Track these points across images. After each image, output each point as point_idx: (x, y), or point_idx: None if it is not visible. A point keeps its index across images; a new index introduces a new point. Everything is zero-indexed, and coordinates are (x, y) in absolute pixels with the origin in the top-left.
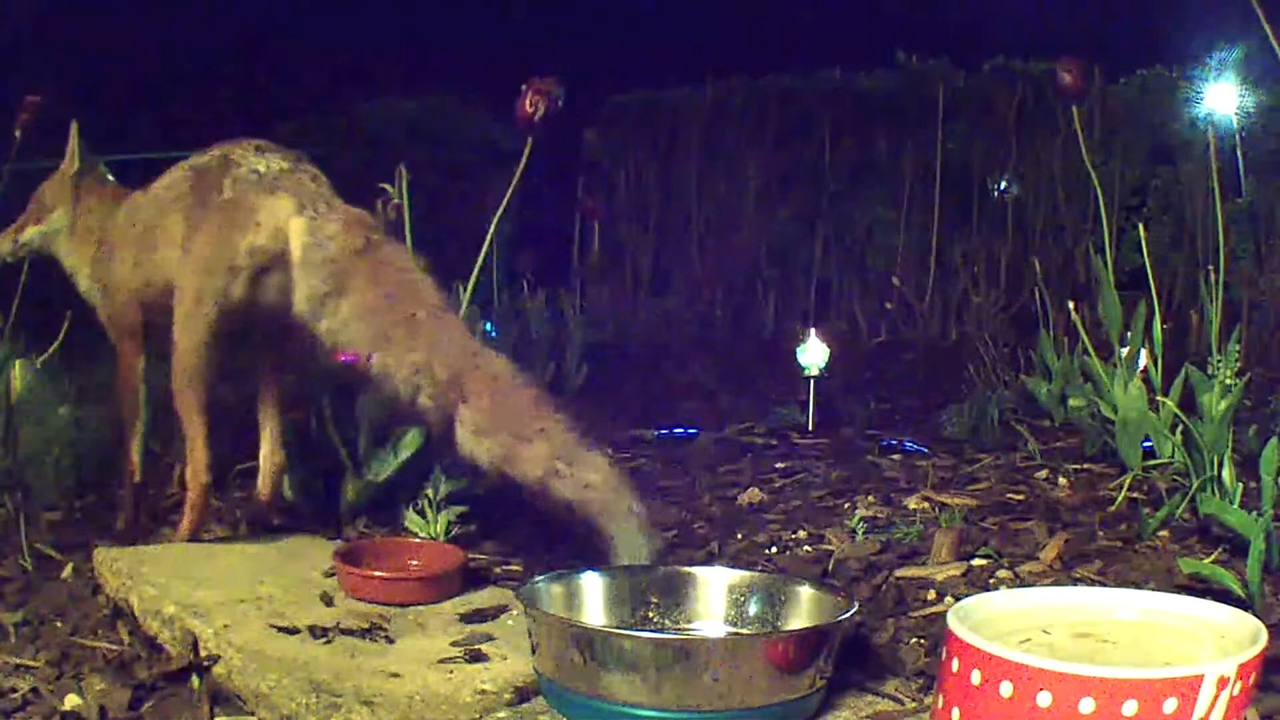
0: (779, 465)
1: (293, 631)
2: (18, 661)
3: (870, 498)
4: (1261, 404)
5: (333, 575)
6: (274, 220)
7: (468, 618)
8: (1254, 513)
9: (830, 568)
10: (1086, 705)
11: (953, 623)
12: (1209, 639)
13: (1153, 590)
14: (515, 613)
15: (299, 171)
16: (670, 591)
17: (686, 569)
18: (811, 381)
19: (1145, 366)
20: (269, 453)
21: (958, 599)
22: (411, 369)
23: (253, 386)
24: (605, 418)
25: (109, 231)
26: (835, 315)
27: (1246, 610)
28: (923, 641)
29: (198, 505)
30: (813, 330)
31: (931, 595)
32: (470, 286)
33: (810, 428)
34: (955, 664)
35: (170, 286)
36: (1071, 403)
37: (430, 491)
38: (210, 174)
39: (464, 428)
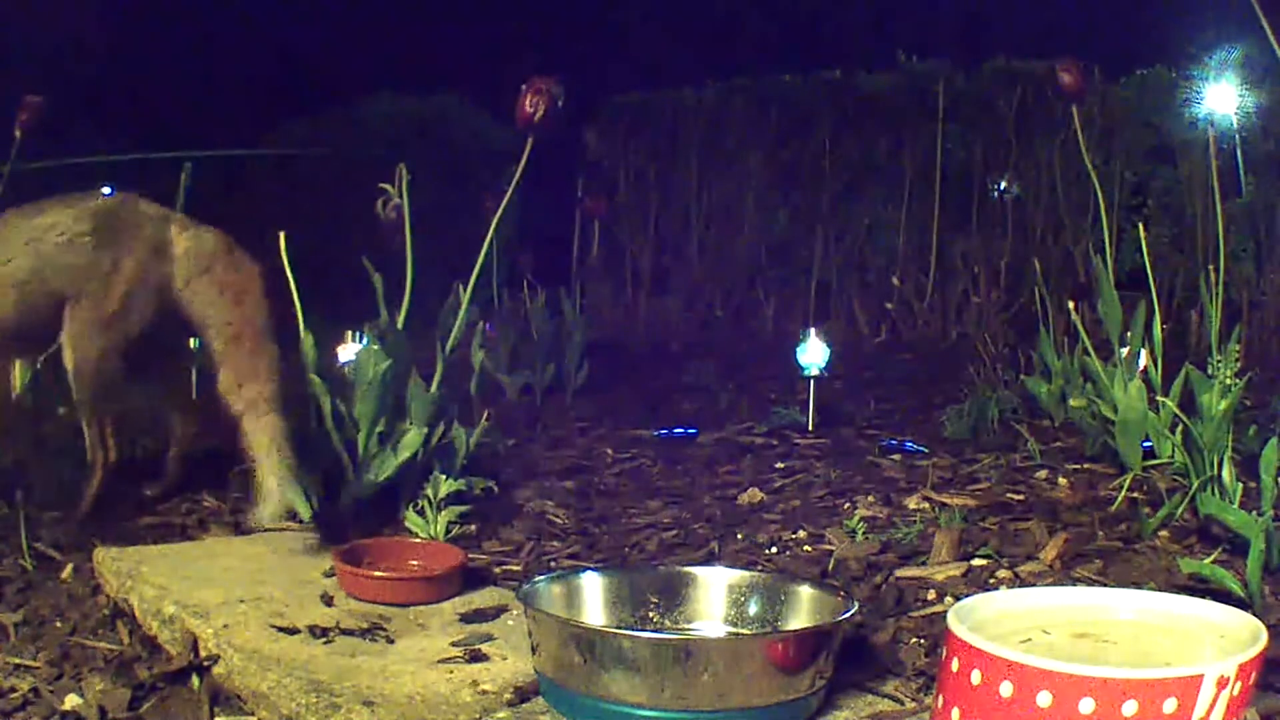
0: (779, 465)
1: (293, 631)
2: (18, 661)
3: (870, 498)
4: (1261, 404)
5: (333, 575)
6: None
7: (468, 618)
8: (1254, 513)
9: (830, 568)
10: (1086, 705)
11: (953, 623)
12: (1209, 639)
13: (1153, 590)
14: (515, 613)
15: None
16: (670, 591)
17: (686, 569)
18: (811, 381)
19: (1145, 366)
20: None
21: (958, 599)
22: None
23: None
24: (605, 418)
25: None
26: (835, 315)
27: (1246, 610)
28: (923, 641)
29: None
30: (813, 330)
31: (931, 595)
32: (470, 286)
33: (810, 428)
34: (955, 664)
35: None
36: (1071, 403)
37: (430, 491)
38: (117, 211)
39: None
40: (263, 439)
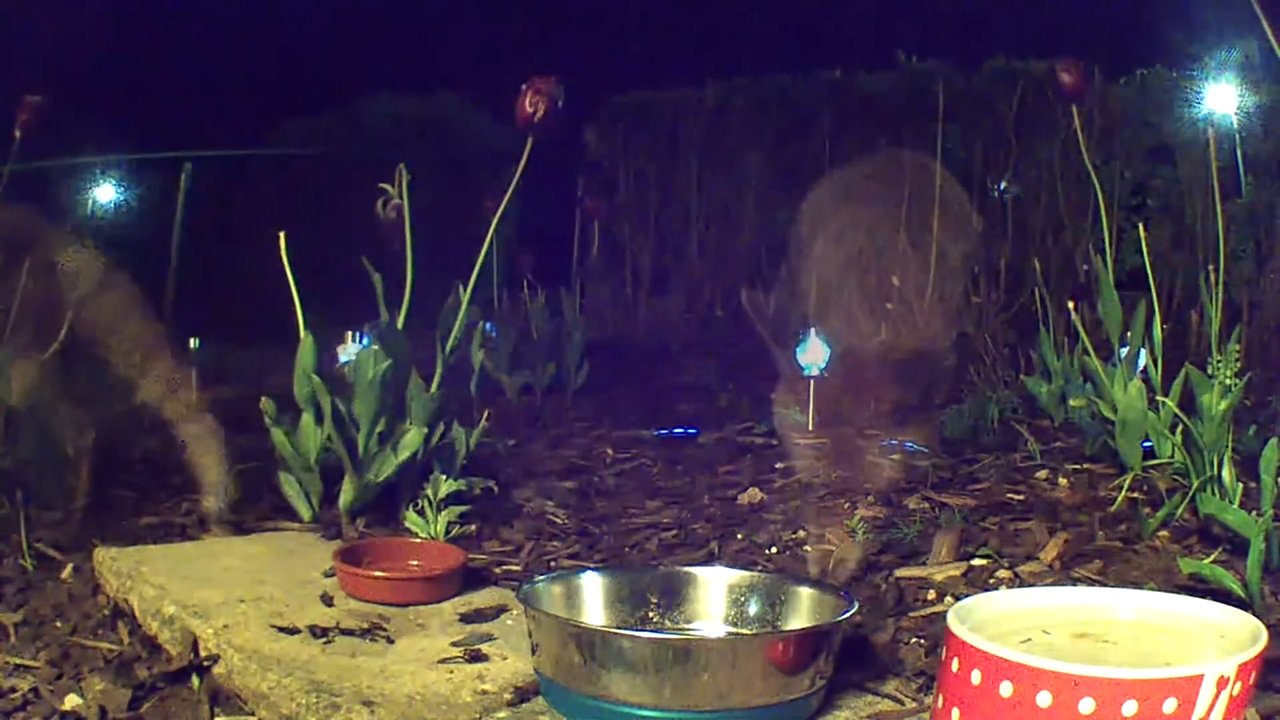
0: (779, 465)
1: (293, 631)
2: (18, 661)
3: (870, 498)
4: (1261, 404)
5: (333, 575)
6: None
7: (468, 618)
8: (1254, 513)
9: (830, 568)
10: (1086, 705)
11: (953, 623)
12: (1209, 639)
13: (1153, 590)
14: (515, 613)
15: None
16: (670, 591)
17: (686, 569)
18: (811, 381)
19: (1145, 366)
20: None
21: (958, 599)
22: None
23: None
24: (605, 418)
25: None
26: (835, 315)
27: (1246, 610)
28: (923, 641)
29: None
30: (813, 330)
31: (931, 595)
32: (470, 286)
33: (810, 428)
34: (955, 664)
35: None
36: (1071, 403)
37: (430, 491)
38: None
39: None
40: (199, 439)
